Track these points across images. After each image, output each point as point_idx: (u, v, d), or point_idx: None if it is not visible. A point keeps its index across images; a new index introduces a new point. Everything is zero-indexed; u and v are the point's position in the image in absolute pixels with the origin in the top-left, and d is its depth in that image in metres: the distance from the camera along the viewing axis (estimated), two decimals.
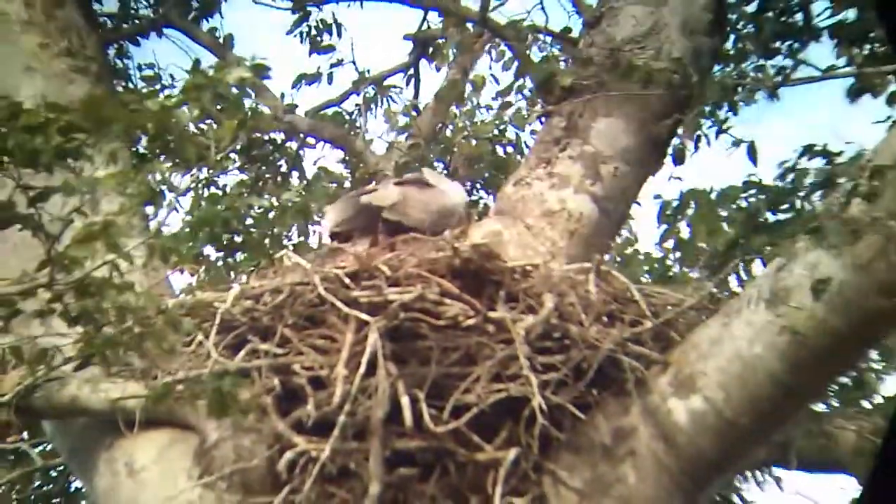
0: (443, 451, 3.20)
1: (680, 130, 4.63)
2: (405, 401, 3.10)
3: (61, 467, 6.91)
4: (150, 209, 3.41)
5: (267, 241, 6.05)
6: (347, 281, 3.37)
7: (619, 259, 6.38)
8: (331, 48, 7.45)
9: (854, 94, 4.71)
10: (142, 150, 3.36)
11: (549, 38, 5.61)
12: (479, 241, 3.79)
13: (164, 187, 3.00)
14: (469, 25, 6.48)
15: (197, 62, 5.12)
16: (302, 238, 6.47)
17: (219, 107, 3.09)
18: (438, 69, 7.17)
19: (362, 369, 3.11)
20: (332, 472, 3.12)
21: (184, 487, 3.25)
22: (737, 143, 4.85)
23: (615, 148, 4.51)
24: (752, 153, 4.96)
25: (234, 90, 2.97)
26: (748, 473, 4.01)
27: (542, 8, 5.79)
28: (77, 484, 7.03)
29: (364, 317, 3.21)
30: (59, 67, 4.63)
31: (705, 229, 5.20)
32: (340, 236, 4.35)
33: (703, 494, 3.50)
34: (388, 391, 3.11)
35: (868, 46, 4.91)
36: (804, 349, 3.09)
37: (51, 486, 7.07)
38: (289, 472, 3.12)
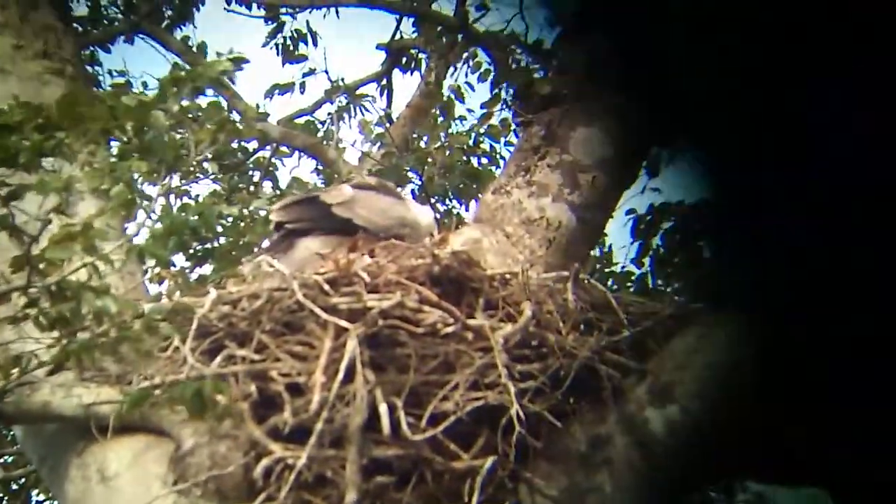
0: (420, 460, 3.17)
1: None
2: (383, 408, 3.07)
3: (22, 479, 6.81)
4: (125, 213, 3.37)
5: (236, 251, 6.00)
6: (326, 287, 3.34)
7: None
8: (304, 58, 7.45)
9: None
10: (117, 151, 3.32)
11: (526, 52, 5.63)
12: (458, 248, 3.78)
13: (136, 195, 2.97)
14: (445, 36, 6.50)
15: (176, 65, 5.08)
16: None
17: (191, 115, 3.07)
18: (412, 72, 7.18)
19: (340, 376, 3.07)
20: (309, 479, 3.07)
21: (158, 494, 3.20)
22: None
23: (593, 157, 4.54)
24: None
25: (211, 91, 2.95)
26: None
27: (522, 16, 5.82)
28: (39, 497, 6.94)
29: (343, 323, 3.17)
30: (34, 70, 4.57)
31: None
32: (288, 229, 4.15)
33: None
34: (367, 398, 3.07)
35: None
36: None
37: (12, 499, 6.97)
38: (265, 479, 3.07)
